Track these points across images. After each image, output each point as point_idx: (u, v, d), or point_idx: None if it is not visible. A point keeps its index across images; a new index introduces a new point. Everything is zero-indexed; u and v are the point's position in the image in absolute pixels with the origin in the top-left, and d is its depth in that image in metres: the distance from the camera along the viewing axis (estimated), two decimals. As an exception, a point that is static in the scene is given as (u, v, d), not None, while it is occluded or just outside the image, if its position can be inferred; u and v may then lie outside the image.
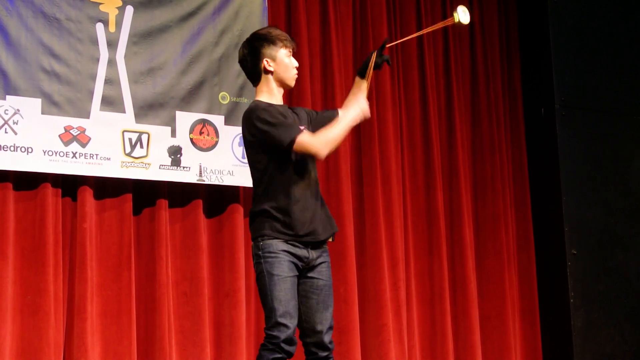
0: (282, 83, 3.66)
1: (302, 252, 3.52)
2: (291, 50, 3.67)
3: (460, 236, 6.03)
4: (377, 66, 3.68)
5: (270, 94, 3.65)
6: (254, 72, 3.67)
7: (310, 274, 3.56)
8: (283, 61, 3.64)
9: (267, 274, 3.46)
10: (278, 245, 3.48)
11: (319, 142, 3.48)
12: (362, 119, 3.62)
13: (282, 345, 3.39)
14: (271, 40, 3.63)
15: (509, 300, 6.11)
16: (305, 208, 3.52)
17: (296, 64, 3.69)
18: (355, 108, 3.61)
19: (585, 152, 6.29)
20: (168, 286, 5.00)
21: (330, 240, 3.63)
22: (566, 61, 6.34)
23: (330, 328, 3.58)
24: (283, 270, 3.46)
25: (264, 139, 3.50)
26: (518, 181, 6.41)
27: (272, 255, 3.47)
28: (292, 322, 3.43)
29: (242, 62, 3.71)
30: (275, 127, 3.48)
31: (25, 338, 4.67)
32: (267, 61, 3.62)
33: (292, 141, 3.45)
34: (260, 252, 3.50)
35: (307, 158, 3.56)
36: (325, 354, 3.56)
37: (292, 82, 3.69)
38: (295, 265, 3.50)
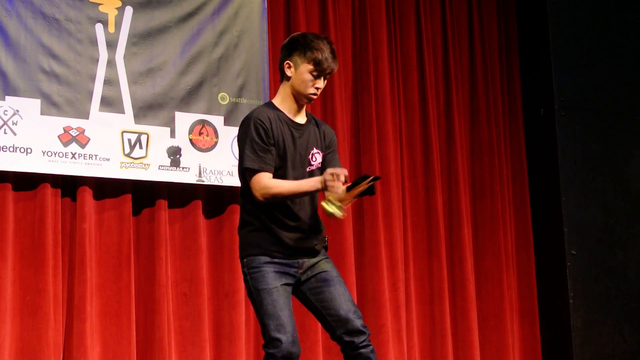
0: (295, 94, 3.47)
1: (289, 261, 3.42)
2: (322, 71, 3.42)
3: (459, 237, 6.03)
4: (363, 194, 3.32)
5: (284, 99, 3.50)
6: (280, 66, 3.51)
7: (310, 273, 3.45)
8: (302, 75, 3.43)
9: (254, 290, 3.38)
10: (261, 258, 3.39)
11: (264, 188, 3.35)
12: (319, 189, 3.31)
13: None
14: (303, 49, 3.43)
15: (507, 300, 6.11)
16: (293, 225, 3.42)
17: (319, 85, 3.45)
18: (316, 181, 3.30)
19: (584, 153, 6.29)
20: (167, 287, 5.00)
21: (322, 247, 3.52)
22: (565, 61, 6.33)
23: (356, 312, 3.41)
24: (268, 283, 3.36)
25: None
26: (517, 182, 6.40)
27: (256, 269, 3.39)
28: (285, 335, 3.30)
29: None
30: (249, 146, 3.37)
31: (25, 338, 4.68)
32: (288, 63, 3.45)
33: (247, 169, 3.36)
34: (245, 270, 3.43)
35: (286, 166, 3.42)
36: (361, 339, 3.38)
37: (303, 100, 3.47)
38: (286, 273, 3.40)
